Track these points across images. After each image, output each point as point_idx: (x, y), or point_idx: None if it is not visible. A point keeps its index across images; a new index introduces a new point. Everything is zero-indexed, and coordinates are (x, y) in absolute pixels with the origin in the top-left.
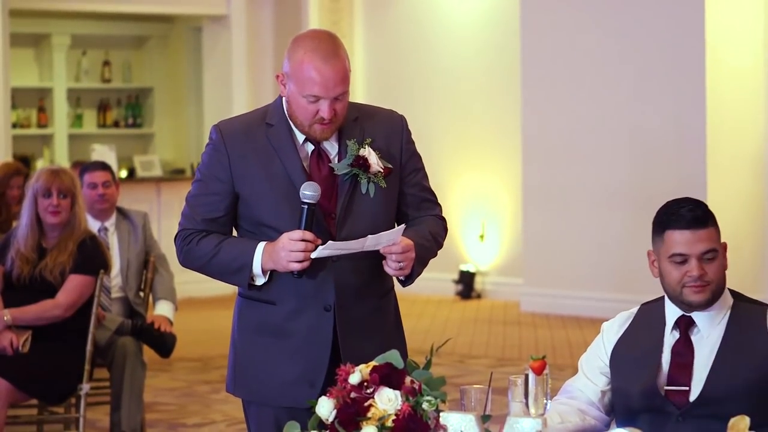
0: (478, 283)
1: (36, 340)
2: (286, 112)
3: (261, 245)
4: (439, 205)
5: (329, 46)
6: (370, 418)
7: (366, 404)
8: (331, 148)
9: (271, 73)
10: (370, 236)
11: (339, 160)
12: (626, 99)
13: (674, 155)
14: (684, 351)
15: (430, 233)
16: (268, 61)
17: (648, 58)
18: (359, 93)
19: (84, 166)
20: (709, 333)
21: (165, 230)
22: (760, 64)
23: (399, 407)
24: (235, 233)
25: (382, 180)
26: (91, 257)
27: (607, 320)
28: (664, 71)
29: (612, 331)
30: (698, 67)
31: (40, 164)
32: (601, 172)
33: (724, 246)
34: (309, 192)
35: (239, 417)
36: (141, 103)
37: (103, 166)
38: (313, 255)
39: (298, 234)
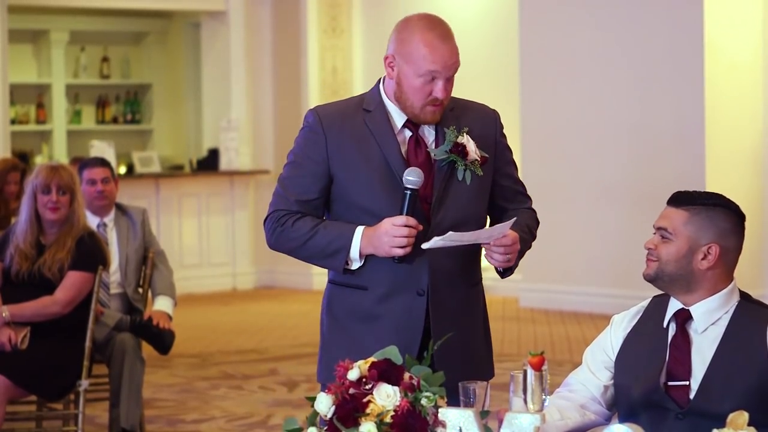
0: None
1: (34, 336)
2: (388, 97)
3: (360, 229)
4: (530, 198)
5: (443, 26)
6: (368, 414)
7: (364, 400)
8: (429, 134)
9: (269, 68)
10: (485, 229)
11: (436, 147)
12: (625, 95)
13: (673, 150)
14: (681, 345)
15: (527, 226)
16: (266, 57)
17: (646, 53)
18: (357, 89)
19: (83, 163)
20: (706, 328)
21: (164, 226)
22: (758, 59)
23: (398, 403)
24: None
25: (479, 168)
26: (89, 254)
27: (605, 316)
28: (662, 67)
29: (621, 327)
30: (697, 62)
31: (39, 160)
32: (600, 167)
33: (708, 248)
34: (413, 178)
35: (238, 413)
36: (140, 99)
37: (102, 163)
38: (426, 246)
39: (401, 220)
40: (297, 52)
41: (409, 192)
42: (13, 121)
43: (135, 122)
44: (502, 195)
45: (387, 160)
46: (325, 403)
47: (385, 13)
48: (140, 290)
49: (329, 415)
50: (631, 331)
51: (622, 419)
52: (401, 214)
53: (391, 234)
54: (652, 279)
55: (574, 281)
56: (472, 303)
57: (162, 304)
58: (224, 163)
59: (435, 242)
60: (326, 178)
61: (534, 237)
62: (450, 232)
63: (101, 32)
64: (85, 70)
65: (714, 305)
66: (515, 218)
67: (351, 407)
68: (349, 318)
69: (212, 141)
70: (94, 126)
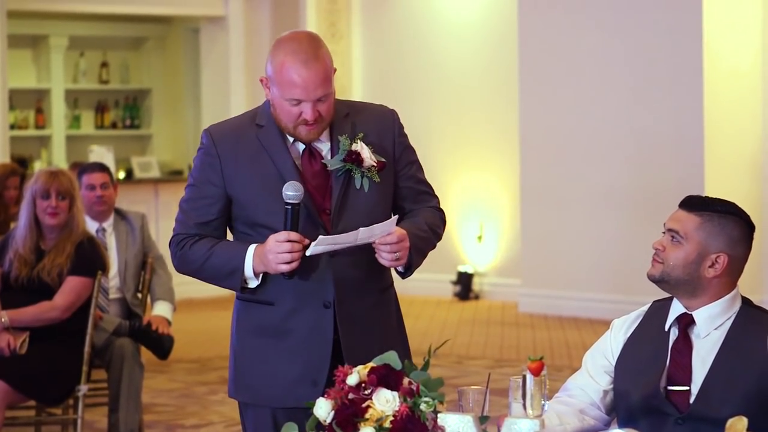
0: (476, 284)
1: (33, 341)
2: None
3: (252, 248)
4: (436, 197)
5: (309, 48)
6: (368, 420)
7: (364, 405)
8: (323, 145)
9: None
10: (362, 229)
11: (331, 157)
12: (624, 99)
13: (672, 156)
14: (682, 349)
15: (426, 224)
16: (265, 62)
17: (646, 58)
18: (356, 93)
19: (82, 168)
20: (708, 333)
21: (163, 231)
22: (757, 65)
23: (397, 408)
24: (230, 235)
25: (376, 174)
26: (88, 259)
27: (605, 321)
28: (661, 72)
29: (621, 331)
30: (696, 67)
31: (38, 166)
32: (599, 172)
33: (716, 257)
34: (291, 192)
35: (237, 418)
36: (139, 105)
37: (101, 168)
38: (308, 253)
39: (283, 235)
40: None
41: (289, 207)
42: (12, 126)
43: (134, 127)
44: (405, 197)
45: (282, 175)
46: (324, 409)
47: (384, 19)
48: (139, 295)
49: (328, 420)
50: (631, 335)
51: (621, 424)
52: (284, 230)
53: (275, 251)
54: (656, 280)
55: (573, 287)
56: (383, 309)
57: (161, 309)
58: None
59: (314, 249)
60: (224, 199)
61: (437, 236)
62: (321, 236)
63: (100, 37)
64: (84, 76)
65: (717, 310)
66: (397, 216)
67: (350, 412)
68: (258, 334)
69: None
70: (93, 131)
